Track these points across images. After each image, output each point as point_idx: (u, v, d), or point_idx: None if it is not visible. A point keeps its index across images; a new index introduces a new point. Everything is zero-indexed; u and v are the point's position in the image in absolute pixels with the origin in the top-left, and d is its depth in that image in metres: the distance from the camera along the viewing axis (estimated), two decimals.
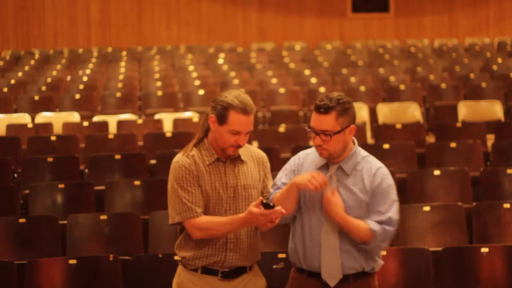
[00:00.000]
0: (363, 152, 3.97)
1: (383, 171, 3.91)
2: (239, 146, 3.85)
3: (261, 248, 4.09)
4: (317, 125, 3.81)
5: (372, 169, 3.90)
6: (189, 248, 3.89)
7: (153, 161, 7.90)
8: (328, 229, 3.85)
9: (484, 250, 5.17)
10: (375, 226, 3.82)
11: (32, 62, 15.67)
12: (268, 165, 4.03)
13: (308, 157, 3.96)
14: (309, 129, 3.86)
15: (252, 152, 4.00)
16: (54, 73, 14.11)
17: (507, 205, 6.10)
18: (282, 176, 3.96)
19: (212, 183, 3.86)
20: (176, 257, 4.05)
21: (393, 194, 3.91)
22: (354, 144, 3.94)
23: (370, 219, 3.83)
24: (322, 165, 3.89)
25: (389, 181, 3.91)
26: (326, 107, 3.79)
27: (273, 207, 3.68)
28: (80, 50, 17.66)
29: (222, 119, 3.82)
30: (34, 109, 11.01)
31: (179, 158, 3.87)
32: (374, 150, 8.00)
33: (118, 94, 11.74)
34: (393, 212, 3.87)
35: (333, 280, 3.87)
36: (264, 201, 3.68)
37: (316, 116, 3.82)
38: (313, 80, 12.73)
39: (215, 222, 3.81)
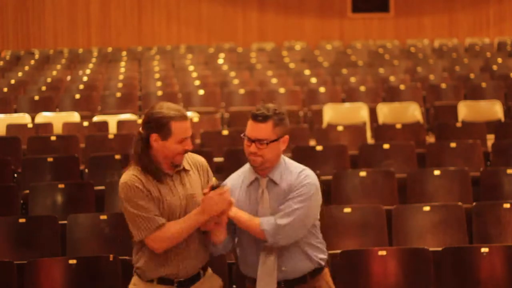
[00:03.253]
0: (292, 163, 4.02)
1: (305, 173, 3.95)
2: (187, 151, 3.88)
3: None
4: (253, 133, 3.90)
5: (293, 173, 3.94)
6: (144, 259, 3.92)
7: None
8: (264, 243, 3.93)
9: (484, 250, 5.17)
10: (266, 225, 3.85)
11: (32, 62, 15.67)
12: (209, 169, 4.08)
13: (235, 180, 4.03)
14: (244, 137, 3.93)
15: (191, 159, 4.02)
16: (54, 73, 14.11)
17: (507, 205, 6.10)
18: None
19: (163, 196, 3.87)
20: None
21: (308, 193, 3.89)
22: (281, 155, 4.00)
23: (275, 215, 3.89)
24: (253, 181, 3.97)
25: (310, 179, 3.92)
26: (264, 116, 3.88)
27: (220, 186, 3.80)
28: (80, 50, 17.65)
29: (165, 133, 3.82)
30: (34, 109, 11.01)
31: (126, 179, 3.86)
32: (374, 150, 8.07)
33: (118, 94, 11.74)
34: (293, 206, 3.86)
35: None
36: (214, 184, 3.78)
37: (253, 125, 3.90)
38: (313, 80, 12.73)
39: (175, 225, 3.83)
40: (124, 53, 16.99)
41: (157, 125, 3.82)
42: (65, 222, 6.01)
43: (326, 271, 4.08)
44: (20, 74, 14.08)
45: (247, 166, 4.04)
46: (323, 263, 4.03)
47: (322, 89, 11.76)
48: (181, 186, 3.91)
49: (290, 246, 3.93)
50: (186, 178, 3.94)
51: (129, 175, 3.86)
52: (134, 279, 4.02)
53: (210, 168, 4.12)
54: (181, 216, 3.88)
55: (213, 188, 3.80)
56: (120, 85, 12.68)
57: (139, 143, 3.88)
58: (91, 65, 15.11)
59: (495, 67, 13.62)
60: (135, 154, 3.90)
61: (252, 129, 3.90)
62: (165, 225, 3.83)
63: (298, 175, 3.92)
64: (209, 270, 4.08)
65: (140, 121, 9.85)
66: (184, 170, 3.94)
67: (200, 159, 4.06)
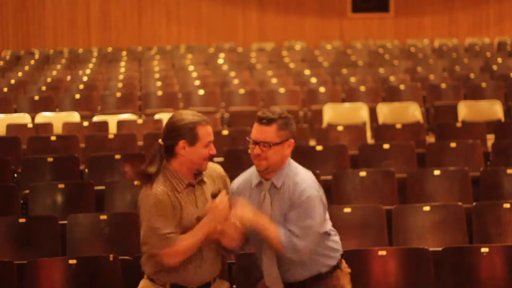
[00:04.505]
0: (294, 168, 4.01)
1: (302, 187, 3.92)
2: (212, 156, 3.93)
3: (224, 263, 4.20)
4: (258, 135, 3.92)
5: (293, 183, 3.94)
6: (157, 269, 3.94)
7: None
8: (267, 245, 3.95)
9: (484, 250, 5.17)
10: (285, 241, 3.86)
11: (32, 62, 15.66)
12: (228, 179, 4.10)
13: (244, 180, 4.06)
14: (249, 140, 3.95)
15: (210, 169, 4.03)
16: (54, 73, 14.10)
17: (507, 205, 6.10)
18: None
19: (187, 208, 3.90)
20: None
21: (312, 206, 3.89)
22: (287, 160, 4.01)
23: (286, 229, 3.89)
24: (258, 183, 3.99)
25: (308, 193, 3.91)
26: (269, 119, 3.92)
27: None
28: (80, 50, 17.65)
29: (192, 139, 3.86)
30: (34, 109, 11.01)
31: (150, 193, 3.86)
32: (374, 150, 8.07)
33: (118, 94, 11.74)
34: (308, 224, 3.87)
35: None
36: (214, 193, 3.83)
37: (258, 127, 3.93)
38: (313, 80, 12.72)
39: (186, 239, 3.85)
40: (124, 53, 16.99)
41: (184, 131, 3.86)
42: (65, 222, 6.01)
43: (337, 275, 4.05)
44: (20, 74, 14.08)
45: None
46: (326, 268, 4.00)
47: (322, 89, 11.76)
48: (201, 197, 3.95)
49: None
50: (204, 188, 3.97)
51: (154, 189, 3.85)
52: (145, 282, 4.03)
53: None
54: None
55: (214, 196, 3.81)
56: (120, 85, 12.67)
57: (160, 156, 3.90)
58: (91, 65, 15.11)
59: (495, 67, 13.62)
60: (156, 167, 3.89)
61: (257, 131, 3.93)
62: (175, 246, 3.84)
63: (295, 191, 3.90)
64: (218, 278, 4.11)
65: (140, 121, 9.88)
66: (203, 181, 3.98)
67: (217, 168, 4.09)
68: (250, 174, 4.06)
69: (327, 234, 4.03)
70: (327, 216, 4.08)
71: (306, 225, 3.87)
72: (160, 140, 3.92)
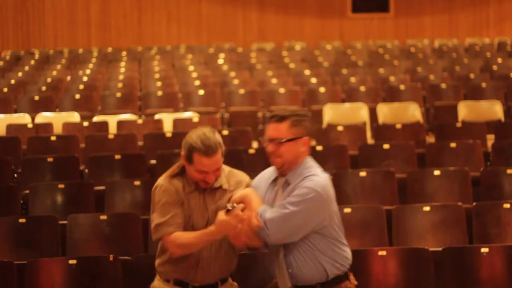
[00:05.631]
0: (310, 168, 3.98)
1: (310, 178, 3.91)
2: (207, 183, 3.96)
3: (237, 262, 4.18)
4: (270, 133, 3.96)
5: (303, 181, 3.92)
6: (163, 260, 4.06)
7: (153, 161, 7.89)
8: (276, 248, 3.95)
9: (484, 250, 5.17)
10: (263, 212, 3.87)
11: (32, 62, 15.66)
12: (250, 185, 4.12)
13: (263, 176, 4.08)
14: (263, 139, 3.98)
15: (234, 177, 4.09)
16: (54, 73, 14.10)
17: (507, 205, 6.10)
18: None
19: (192, 209, 3.97)
20: None
21: (301, 195, 3.86)
22: (305, 157, 3.99)
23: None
24: (274, 180, 4.01)
25: (311, 186, 3.88)
26: (280, 116, 3.96)
27: (235, 206, 3.81)
28: (80, 50, 17.65)
29: (188, 159, 3.95)
30: (34, 109, 11.00)
31: (162, 182, 4.01)
32: (374, 150, 8.07)
33: (118, 94, 11.74)
34: (284, 205, 3.86)
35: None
36: (229, 207, 3.80)
37: (271, 125, 3.98)
38: (313, 80, 12.72)
39: (190, 237, 3.91)
40: (124, 53, 16.99)
41: (184, 147, 3.96)
42: (65, 222, 6.00)
43: (345, 285, 4.01)
44: (20, 74, 14.08)
45: None
46: (334, 275, 3.97)
47: (322, 89, 11.76)
48: (212, 203, 3.99)
49: (298, 249, 3.91)
50: (220, 195, 4.02)
51: (166, 179, 4.00)
52: (155, 279, 4.15)
53: None
54: None
55: (227, 211, 3.80)
56: (120, 85, 12.67)
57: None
58: (91, 65, 15.11)
59: (495, 67, 13.62)
60: (178, 166, 4.04)
61: (269, 129, 3.97)
62: (175, 234, 3.92)
63: (303, 179, 3.91)
64: (229, 279, 4.16)
65: (140, 121, 9.88)
66: (222, 188, 4.02)
67: (242, 177, 4.12)
68: (271, 170, 4.07)
69: (336, 240, 4.00)
70: (341, 228, 4.04)
71: (286, 205, 3.84)
72: None
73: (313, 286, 3.95)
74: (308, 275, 3.93)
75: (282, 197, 3.94)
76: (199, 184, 3.98)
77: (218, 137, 3.96)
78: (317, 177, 3.92)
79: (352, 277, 4.08)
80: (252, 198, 3.92)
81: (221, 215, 3.80)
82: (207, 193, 4.00)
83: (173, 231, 3.92)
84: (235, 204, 3.82)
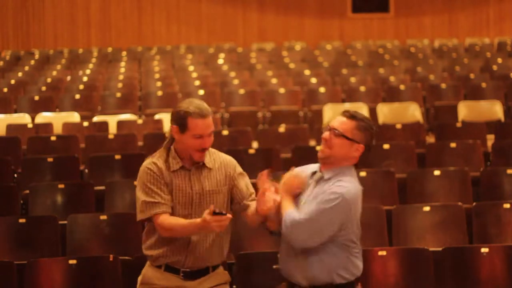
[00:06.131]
0: (348, 176, 3.95)
1: (340, 183, 3.88)
2: (204, 149, 4.02)
3: (228, 250, 4.19)
4: (335, 123, 3.98)
5: (337, 182, 3.90)
6: (152, 247, 4.09)
7: None
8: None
9: (484, 250, 5.17)
10: (288, 214, 3.85)
11: (32, 62, 15.66)
12: (238, 167, 4.16)
13: (307, 169, 4.06)
14: (324, 127, 4.02)
15: (219, 158, 4.14)
16: (54, 73, 14.10)
17: (507, 205, 6.10)
18: None
19: (176, 188, 4.03)
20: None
21: (327, 200, 3.84)
22: (350, 164, 3.98)
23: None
24: (313, 172, 4.00)
25: (340, 192, 3.85)
26: (352, 115, 3.98)
27: (224, 214, 3.81)
28: (80, 50, 17.65)
29: (182, 127, 3.99)
30: (34, 109, 11.01)
31: (145, 164, 4.07)
32: (374, 150, 8.04)
33: (118, 94, 11.74)
34: (312, 208, 3.85)
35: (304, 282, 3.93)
36: (217, 210, 3.81)
37: (340, 118, 4.00)
38: (313, 80, 12.72)
39: (177, 224, 3.96)
40: (124, 53, 16.99)
41: (177, 117, 4.01)
42: (65, 222, 6.01)
43: None
44: (20, 74, 14.08)
45: None
46: (341, 281, 3.91)
47: (322, 89, 11.76)
48: (197, 181, 4.04)
49: (314, 250, 3.87)
50: (205, 174, 4.06)
51: (149, 161, 4.06)
52: (147, 263, 4.18)
53: None
54: (195, 209, 4.02)
55: (214, 213, 3.81)
56: (120, 85, 12.67)
57: (170, 132, 4.09)
58: (91, 65, 15.11)
59: (495, 67, 13.62)
60: (164, 144, 4.10)
61: (336, 120, 3.99)
62: (164, 215, 3.97)
63: (335, 183, 3.88)
64: (221, 267, 4.16)
65: (140, 121, 9.89)
66: (206, 166, 4.07)
67: (228, 159, 4.16)
68: (315, 166, 4.05)
69: (352, 248, 3.94)
70: (358, 235, 3.99)
71: (313, 209, 3.82)
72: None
73: (321, 287, 3.92)
74: (316, 276, 3.91)
75: (312, 192, 3.90)
76: (194, 157, 4.00)
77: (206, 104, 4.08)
78: (349, 185, 3.89)
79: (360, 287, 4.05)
80: (289, 188, 3.91)
81: (207, 215, 3.81)
82: (193, 172, 4.04)
83: (161, 212, 3.97)
84: (223, 212, 3.83)
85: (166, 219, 3.97)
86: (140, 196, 4.04)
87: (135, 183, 4.13)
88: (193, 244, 4.02)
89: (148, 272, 4.13)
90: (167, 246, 4.04)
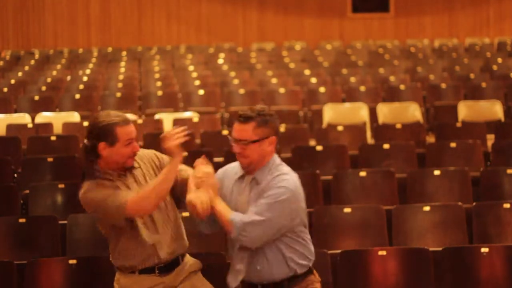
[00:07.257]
0: (279, 166, 4.01)
1: (283, 177, 3.93)
2: (135, 153, 3.99)
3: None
4: (236, 134, 3.96)
5: (272, 179, 3.94)
6: (122, 259, 4.06)
7: None
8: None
9: (484, 250, 5.17)
10: (236, 218, 3.87)
11: (32, 62, 15.67)
12: (160, 155, 4.12)
13: (230, 171, 4.08)
14: (230, 138, 3.99)
15: (138, 156, 4.09)
16: (54, 73, 14.11)
17: (507, 205, 6.10)
18: None
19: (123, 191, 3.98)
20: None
21: (276, 196, 3.88)
22: (272, 156, 4.02)
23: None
24: (241, 176, 4.02)
25: (282, 183, 3.90)
26: (246, 117, 3.95)
27: None
28: (80, 50, 17.66)
29: (111, 139, 3.93)
30: (34, 109, 11.01)
31: (86, 187, 3.96)
32: (374, 150, 8.07)
33: (118, 94, 11.74)
34: (263, 208, 3.86)
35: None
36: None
37: (237, 126, 3.97)
38: (313, 80, 12.73)
39: (144, 187, 3.93)
40: (124, 53, 16.99)
41: (103, 133, 3.94)
42: (65, 222, 6.01)
43: (311, 279, 4.02)
44: (20, 74, 14.08)
45: None
46: (302, 270, 3.98)
47: (322, 89, 11.76)
48: (135, 184, 4.01)
49: (268, 246, 3.91)
50: (137, 174, 4.04)
51: (85, 190, 3.95)
52: (117, 274, 4.14)
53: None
54: None
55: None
56: (120, 85, 12.68)
57: (86, 156, 3.99)
58: (91, 65, 15.11)
59: (495, 67, 13.63)
60: (86, 168, 4.00)
61: (236, 130, 3.97)
62: (133, 195, 3.91)
63: (274, 178, 3.92)
64: (187, 256, 4.17)
65: (140, 121, 9.88)
66: (133, 168, 4.03)
67: (147, 152, 4.15)
68: (237, 165, 4.07)
69: (304, 235, 4.00)
70: (307, 224, 4.04)
71: (265, 209, 3.85)
72: (85, 140, 4.02)
73: (281, 282, 3.96)
74: (277, 272, 3.94)
75: (252, 196, 3.94)
76: (127, 164, 3.96)
77: None
78: (289, 176, 3.95)
79: (315, 272, 4.09)
80: (211, 183, 3.93)
81: (201, 166, 3.88)
82: (128, 177, 4.00)
83: (132, 194, 3.90)
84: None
85: (137, 195, 3.89)
86: (102, 203, 3.91)
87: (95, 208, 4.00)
88: (159, 244, 4.00)
89: (123, 283, 4.09)
90: (137, 257, 4.01)
